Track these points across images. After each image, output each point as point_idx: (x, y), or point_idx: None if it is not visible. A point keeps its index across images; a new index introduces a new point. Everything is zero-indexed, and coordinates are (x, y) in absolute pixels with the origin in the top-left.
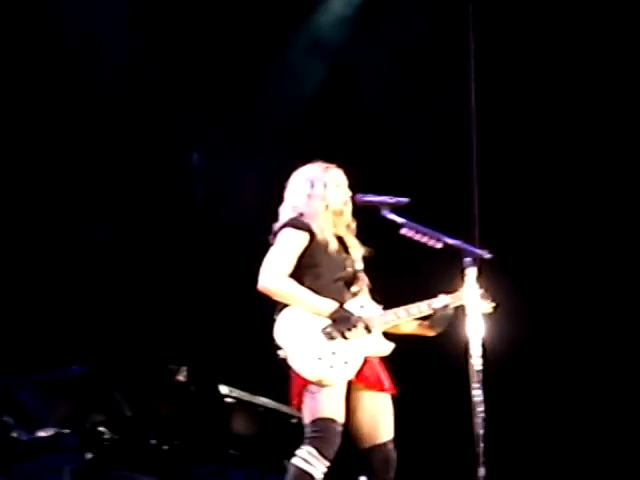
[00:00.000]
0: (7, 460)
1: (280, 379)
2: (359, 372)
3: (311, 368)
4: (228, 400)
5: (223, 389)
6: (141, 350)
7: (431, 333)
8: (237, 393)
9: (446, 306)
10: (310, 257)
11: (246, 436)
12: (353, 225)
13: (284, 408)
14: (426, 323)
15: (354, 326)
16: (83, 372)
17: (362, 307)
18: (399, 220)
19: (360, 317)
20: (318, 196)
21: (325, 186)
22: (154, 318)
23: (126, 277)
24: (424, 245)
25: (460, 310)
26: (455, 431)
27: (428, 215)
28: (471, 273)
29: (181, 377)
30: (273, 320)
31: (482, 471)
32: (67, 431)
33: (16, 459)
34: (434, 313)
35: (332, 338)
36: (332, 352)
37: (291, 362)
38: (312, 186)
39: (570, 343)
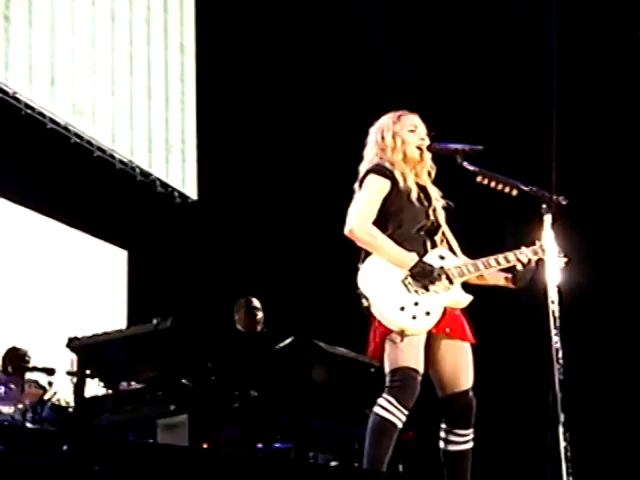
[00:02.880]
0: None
1: (357, 330)
2: (439, 322)
3: (394, 318)
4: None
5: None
6: (222, 301)
7: (513, 286)
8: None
9: (529, 260)
10: (393, 204)
11: (326, 386)
12: (433, 172)
13: (362, 358)
14: (509, 276)
15: (436, 279)
16: (165, 325)
17: (442, 258)
18: (474, 168)
19: (441, 268)
20: (389, 147)
21: (395, 136)
22: (235, 268)
23: (207, 231)
24: (500, 192)
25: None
26: (534, 378)
27: (504, 162)
28: (548, 219)
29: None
30: (356, 269)
31: (562, 417)
32: (151, 384)
33: (102, 412)
34: (522, 266)
35: (414, 290)
36: (414, 302)
37: (374, 311)
38: (382, 138)
39: None
